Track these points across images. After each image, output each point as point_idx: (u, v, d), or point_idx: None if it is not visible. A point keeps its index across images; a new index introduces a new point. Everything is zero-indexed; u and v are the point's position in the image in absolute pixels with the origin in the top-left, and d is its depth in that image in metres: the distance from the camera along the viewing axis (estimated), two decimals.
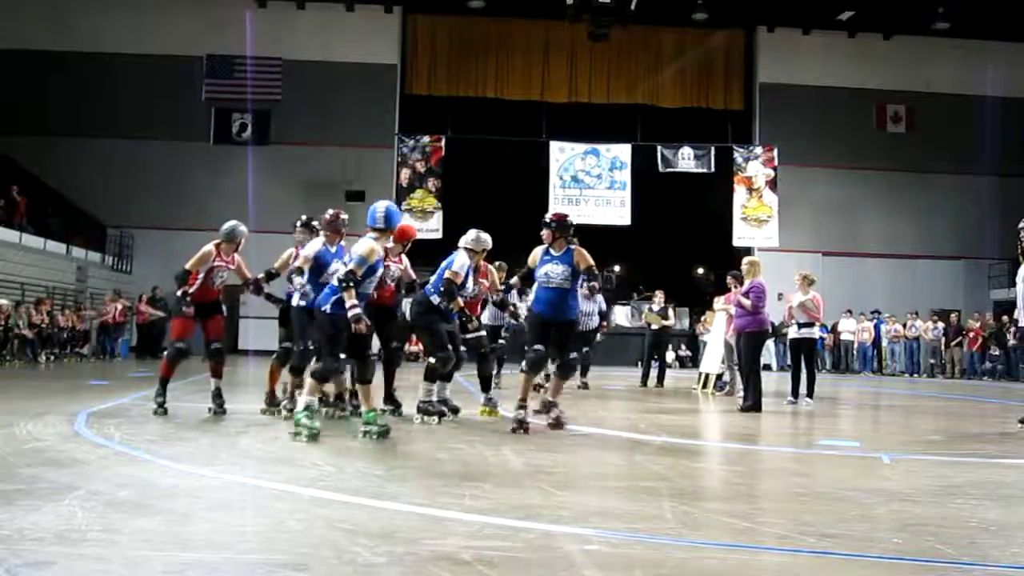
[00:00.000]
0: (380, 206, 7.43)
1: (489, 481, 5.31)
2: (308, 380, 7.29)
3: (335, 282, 7.21)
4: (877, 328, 26.12)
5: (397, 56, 28.80)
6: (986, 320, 25.12)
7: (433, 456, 6.43)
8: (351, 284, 6.97)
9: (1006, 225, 24.68)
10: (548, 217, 8.63)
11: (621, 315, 29.34)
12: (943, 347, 25.46)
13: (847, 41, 29.31)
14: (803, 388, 12.16)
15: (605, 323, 15.33)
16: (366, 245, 7.19)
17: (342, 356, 7.24)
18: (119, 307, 22.95)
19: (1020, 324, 9.91)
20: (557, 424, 8.30)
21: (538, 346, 8.11)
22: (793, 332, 12.47)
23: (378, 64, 28.22)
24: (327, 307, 7.13)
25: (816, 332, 12.82)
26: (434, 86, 29.08)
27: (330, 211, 8.57)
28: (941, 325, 25.54)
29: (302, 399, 7.18)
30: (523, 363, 8.23)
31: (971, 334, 24.75)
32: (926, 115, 29.17)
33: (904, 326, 25.89)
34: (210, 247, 8.98)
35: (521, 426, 7.84)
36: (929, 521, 4.42)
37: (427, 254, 34.95)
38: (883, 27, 28.87)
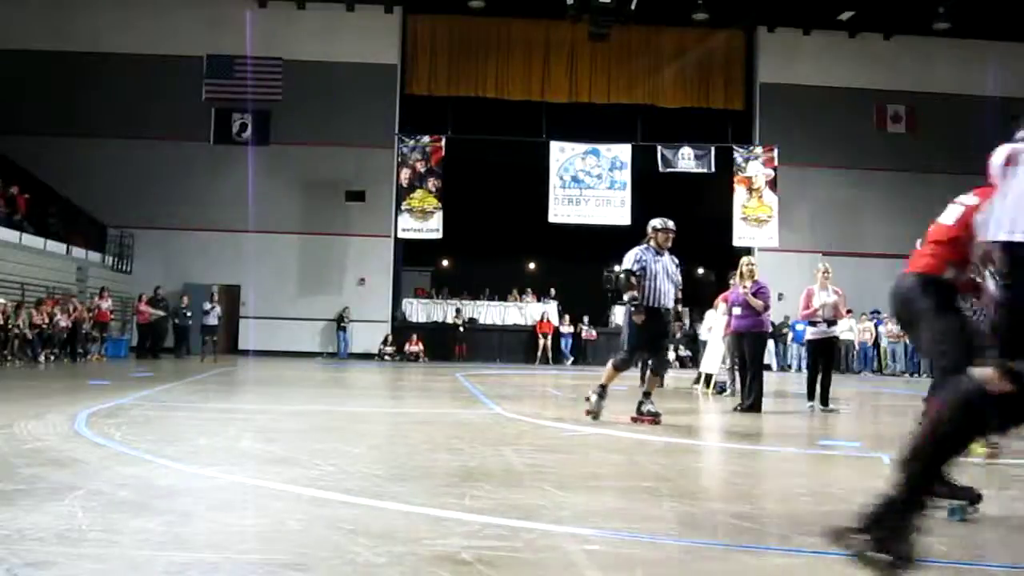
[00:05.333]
0: None
1: (489, 481, 5.31)
2: None
3: None
4: (877, 328, 26.10)
5: (397, 56, 28.82)
6: None
7: (433, 456, 6.43)
8: None
9: None
10: None
11: (621, 315, 29.34)
12: None
13: (847, 41, 29.34)
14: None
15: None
16: None
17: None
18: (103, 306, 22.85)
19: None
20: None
21: None
22: (820, 331, 11.67)
23: (378, 64, 28.26)
24: None
25: (837, 331, 12.22)
26: (434, 86, 29.11)
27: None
28: None
29: None
30: None
31: None
32: (926, 115, 29.19)
33: None
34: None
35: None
36: (929, 521, 4.41)
37: (427, 258, 34.97)
38: (883, 27, 28.90)
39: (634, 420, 8.99)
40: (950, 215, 4.42)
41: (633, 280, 9.06)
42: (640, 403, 9.15)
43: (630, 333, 9.21)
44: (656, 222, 9.45)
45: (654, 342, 9.28)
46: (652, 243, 9.35)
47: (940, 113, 28.88)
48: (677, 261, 9.50)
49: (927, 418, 3.83)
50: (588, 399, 9.23)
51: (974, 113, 28.19)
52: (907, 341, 25.85)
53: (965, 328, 4.14)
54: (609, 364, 9.32)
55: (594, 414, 9.10)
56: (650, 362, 9.69)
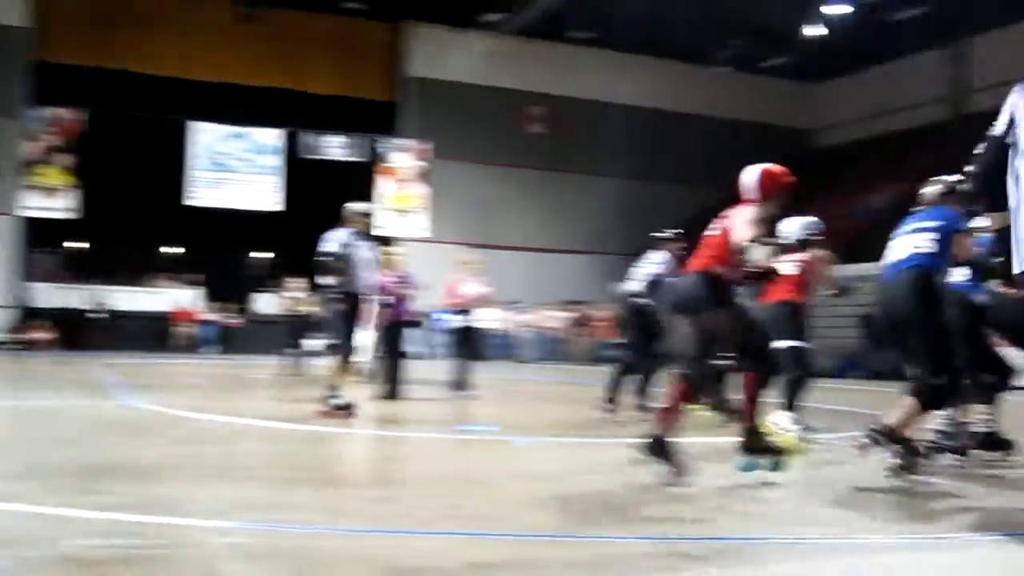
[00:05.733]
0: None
1: (124, 476, 5.07)
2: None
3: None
4: (513, 318, 27.48)
5: (29, 18, 26.36)
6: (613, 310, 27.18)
7: (60, 452, 6.02)
8: None
9: (630, 224, 26.86)
10: None
11: (271, 303, 28.94)
12: (571, 335, 27.24)
13: (494, 42, 30.39)
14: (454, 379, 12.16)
15: None
16: None
17: None
18: None
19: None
20: None
21: None
22: (464, 320, 12.10)
23: (4, 26, 25.77)
24: None
25: (479, 320, 12.76)
26: (74, 55, 26.80)
27: None
28: (570, 315, 27.33)
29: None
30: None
31: (598, 323, 26.61)
32: (563, 118, 31.04)
33: (537, 316, 27.47)
34: None
35: None
36: (558, 498, 4.72)
37: (58, 239, 32.55)
38: (529, 32, 30.17)
39: (324, 415, 8.37)
40: (719, 226, 5.44)
41: (340, 265, 8.59)
42: (328, 396, 8.54)
43: (339, 322, 8.69)
44: (361, 206, 9.27)
45: (355, 330, 8.87)
46: (357, 228, 9.03)
47: (576, 117, 30.84)
48: (376, 246, 9.41)
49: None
50: (336, 408, 8.44)
51: (606, 119, 30.40)
52: (538, 330, 27.46)
53: (741, 315, 5.39)
54: (331, 359, 8.78)
55: (345, 409, 8.45)
56: (343, 351, 8.92)
